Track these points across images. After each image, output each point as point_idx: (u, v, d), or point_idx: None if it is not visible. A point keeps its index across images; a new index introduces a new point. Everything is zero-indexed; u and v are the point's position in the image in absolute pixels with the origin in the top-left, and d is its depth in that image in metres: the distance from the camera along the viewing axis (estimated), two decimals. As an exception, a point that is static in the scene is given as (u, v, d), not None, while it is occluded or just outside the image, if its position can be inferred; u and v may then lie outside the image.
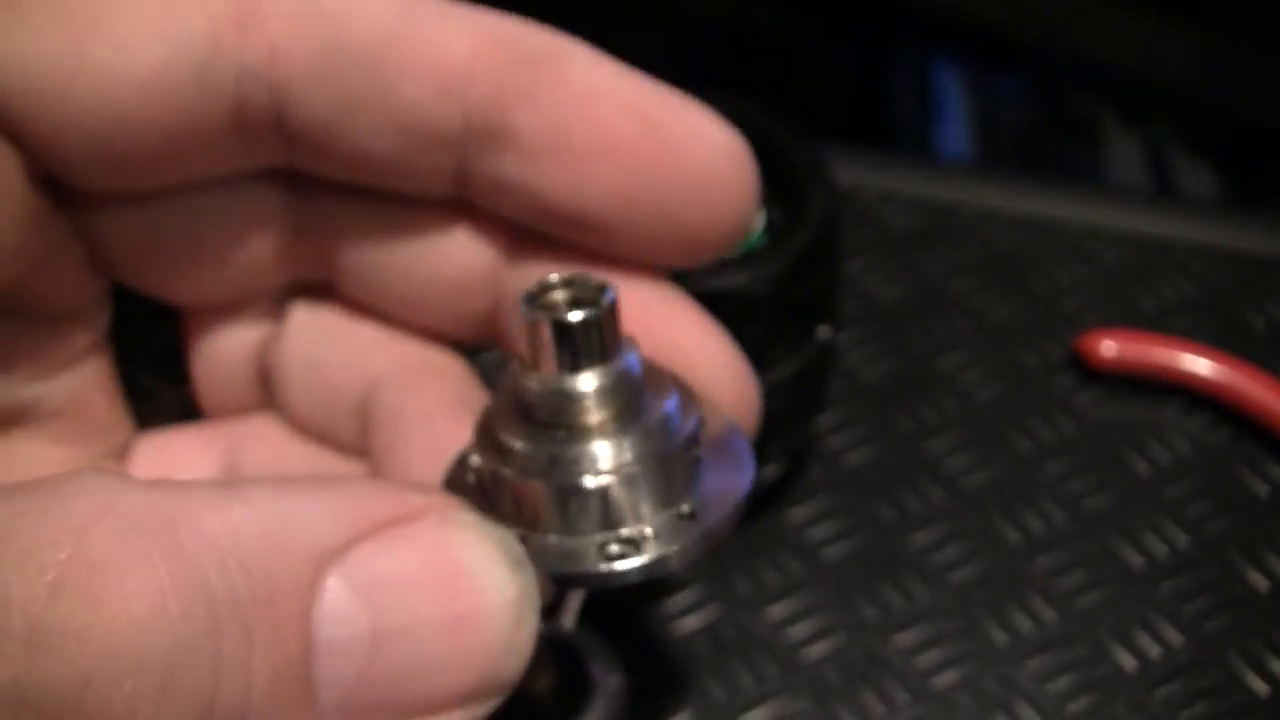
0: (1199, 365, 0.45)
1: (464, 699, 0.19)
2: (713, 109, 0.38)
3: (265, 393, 0.29)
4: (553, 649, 0.37)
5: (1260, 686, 0.39)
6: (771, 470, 0.41)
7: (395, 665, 0.18)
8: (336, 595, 0.18)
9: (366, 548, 0.18)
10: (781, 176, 0.37)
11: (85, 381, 0.27)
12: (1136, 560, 0.42)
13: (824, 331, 0.38)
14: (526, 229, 0.24)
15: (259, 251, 0.26)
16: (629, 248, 0.24)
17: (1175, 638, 0.40)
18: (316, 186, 0.25)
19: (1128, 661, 0.39)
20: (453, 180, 0.23)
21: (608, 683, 0.38)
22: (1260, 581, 0.41)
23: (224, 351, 0.28)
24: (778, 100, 0.38)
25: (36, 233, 0.23)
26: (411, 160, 0.23)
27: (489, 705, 0.19)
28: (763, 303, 0.35)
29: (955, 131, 0.87)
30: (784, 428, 0.39)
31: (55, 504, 0.16)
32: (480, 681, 0.19)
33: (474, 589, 0.19)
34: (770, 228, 0.37)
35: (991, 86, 0.88)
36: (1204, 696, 0.39)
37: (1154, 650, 0.40)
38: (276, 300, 0.28)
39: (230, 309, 0.28)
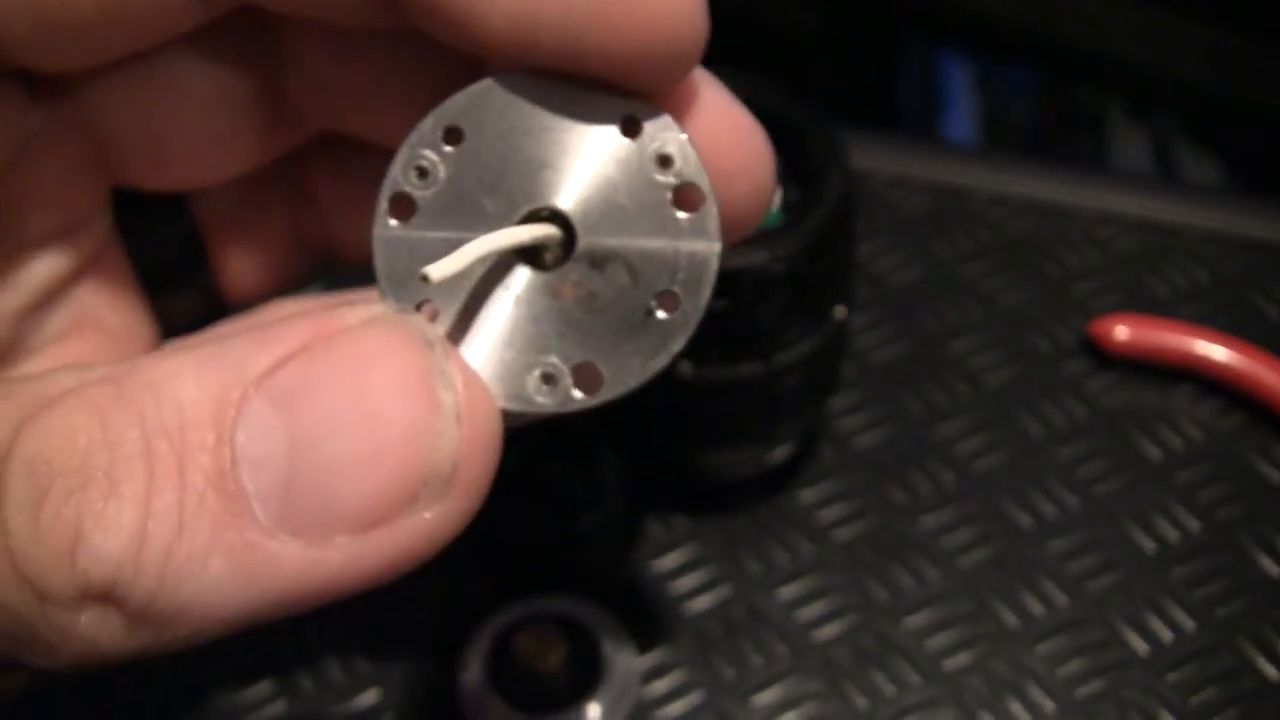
0: (1211, 351, 0.45)
1: (406, 498, 0.19)
2: (729, 88, 0.38)
3: (294, 272, 0.29)
4: (563, 628, 0.37)
5: (1272, 672, 0.39)
6: (783, 451, 0.41)
7: (319, 469, 0.18)
8: (258, 409, 0.18)
9: (291, 364, 0.19)
10: (798, 156, 0.36)
11: (92, 298, 0.26)
12: (1148, 545, 0.42)
13: (839, 312, 0.37)
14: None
15: (250, 114, 0.26)
16: (578, 66, 0.21)
17: (1187, 622, 0.40)
18: (286, 32, 0.25)
19: (1139, 646, 0.39)
20: (385, 5, 0.22)
21: (619, 663, 0.38)
22: (1272, 567, 0.41)
23: (246, 235, 0.28)
24: (784, 86, 0.38)
25: (7, 132, 0.23)
26: None
27: (444, 508, 0.19)
28: (780, 282, 0.34)
29: (960, 123, 0.87)
30: (797, 409, 0.39)
31: (26, 382, 0.19)
32: (410, 471, 0.19)
33: (382, 378, 0.19)
34: (787, 207, 0.37)
35: (998, 80, 0.88)
36: (1215, 681, 0.39)
37: (1165, 635, 0.40)
38: (294, 172, 0.28)
39: (242, 189, 0.27)
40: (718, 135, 0.22)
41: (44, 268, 0.26)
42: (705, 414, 0.38)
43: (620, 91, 0.21)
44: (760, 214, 0.23)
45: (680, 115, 0.21)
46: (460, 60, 0.22)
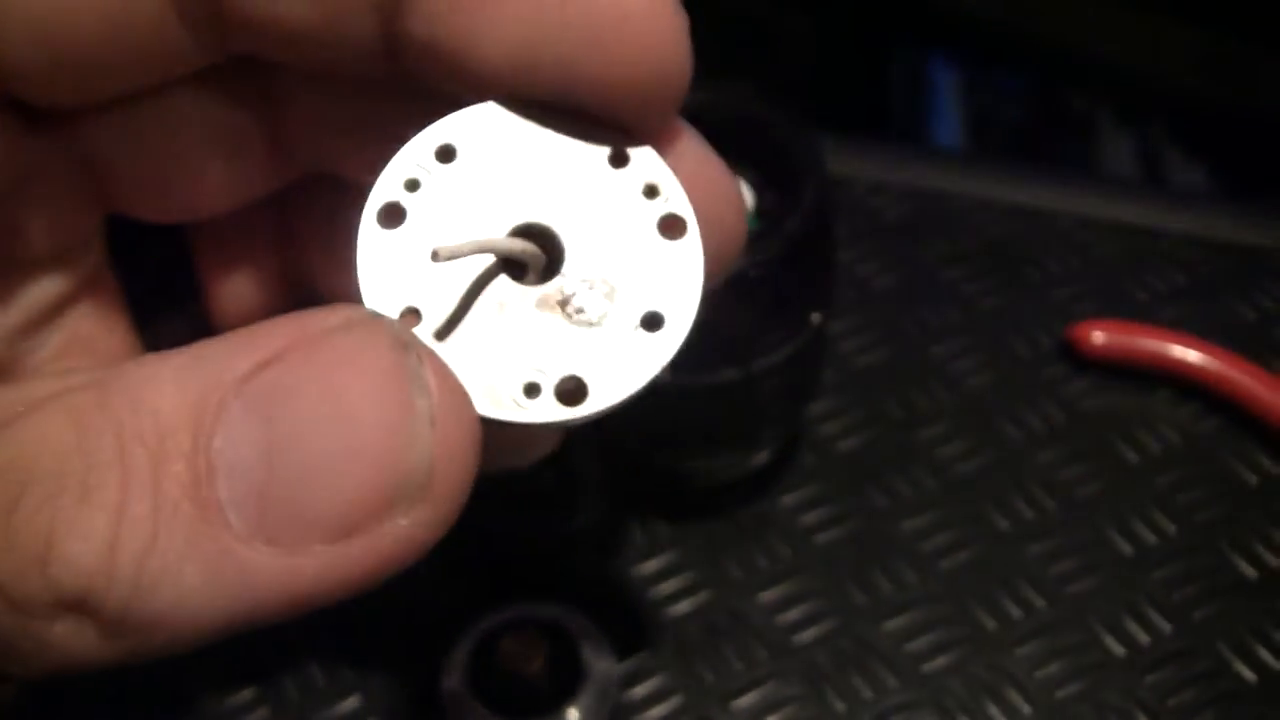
0: (1189, 355, 0.45)
1: (382, 504, 0.18)
2: (708, 94, 0.38)
3: (283, 301, 0.29)
4: (544, 633, 0.37)
5: (1248, 674, 0.39)
6: (763, 456, 0.42)
7: (293, 475, 0.18)
8: (235, 415, 0.18)
9: (270, 369, 0.19)
10: (775, 162, 0.37)
11: (84, 321, 0.27)
12: (1126, 548, 0.42)
13: (816, 317, 0.38)
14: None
15: (247, 151, 0.26)
16: (570, 99, 0.22)
17: (1164, 625, 0.40)
18: (284, 78, 0.25)
19: (1117, 648, 0.40)
20: (385, 53, 0.22)
21: (599, 667, 0.38)
22: (1249, 570, 0.41)
23: (236, 264, 0.28)
24: (772, 90, 0.38)
25: (5, 162, 0.23)
26: (339, 31, 0.22)
27: (421, 515, 0.19)
28: (757, 286, 0.35)
29: (949, 127, 0.87)
30: (777, 414, 0.40)
31: (6, 387, 0.19)
32: (384, 476, 0.18)
33: (355, 379, 0.19)
34: (764, 213, 0.37)
35: (987, 83, 0.89)
36: (1193, 683, 0.39)
37: (1143, 637, 0.40)
38: (281, 207, 0.28)
39: (235, 219, 0.28)
40: (696, 181, 0.22)
41: (38, 291, 0.26)
42: (685, 419, 0.38)
43: (608, 125, 0.22)
44: (732, 258, 0.23)
45: (663, 157, 0.22)
46: (452, 104, 0.22)
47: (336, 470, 0.18)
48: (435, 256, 0.20)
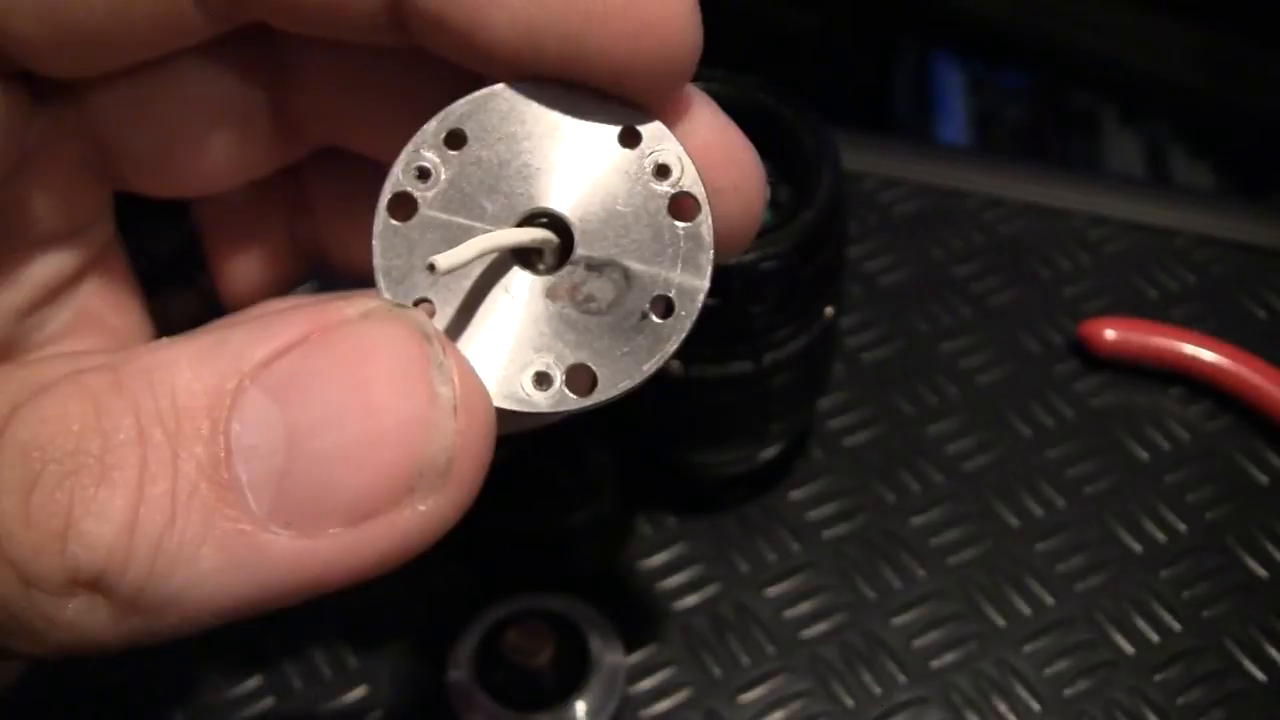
0: (1200, 353, 0.45)
1: (401, 490, 0.19)
2: (722, 88, 0.38)
3: (290, 276, 0.29)
4: (552, 625, 0.37)
5: (1257, 672, 0.39)
6: (773, 450, 0.41)
7: (315, 461, 0.18)
8: (253, 400, 0.18)
9: (288, 355, 0.19)
10: (789, 156, 0.37)
11: (92, 298, 0.27)
12: (1136, 546, 0.42)
13: (829, 311, 0.37)
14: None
15: (255, 126, 0.26)
16: (579, 74, 0.22)
17: (1173, 623, 0.40)
18: (292, 51, 0.25)
19: (1126, 646, 0.40)
20: (393, 24, 0.22)
21: (606, 660, 0.38)
22: (1258, 568, 0.41)
23: (245, 239, 0.28)
24: (779, 87, 0.38)
25: (12, 135, 0.23)
26: (347, 0, 0.22)
27: (438, 501, 0.19)
28: (771, 280, 0.34)
29: (953, 126, 0.87)
30: (787, 408, 0.39)
31: (20, 367, 0.19)
32: (405, 463, 0.19)
33: (379, 370, 0.19)
34: (778, 206, 0.37)
35: (991, 82, 0.89)
36: (1201, 682, 0.39)
37: (1152, 635, 0.40)
38: (291, 180, 0.28)
39: (244, 194, 0.28)
40: (710, 151, 0.22)
41: (46, 267, 0.26)
42: (696, 412, 0.38)
43: (619, 102, 0.21)
44: (751, 229, 0.23)
45: (675, 129, 0.22)
46: (460, 78, 0.22)
47: (358, 457, 0.19)
48: (432, 269, 0.20)
